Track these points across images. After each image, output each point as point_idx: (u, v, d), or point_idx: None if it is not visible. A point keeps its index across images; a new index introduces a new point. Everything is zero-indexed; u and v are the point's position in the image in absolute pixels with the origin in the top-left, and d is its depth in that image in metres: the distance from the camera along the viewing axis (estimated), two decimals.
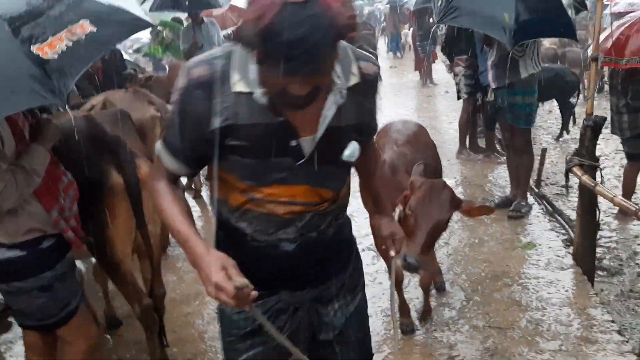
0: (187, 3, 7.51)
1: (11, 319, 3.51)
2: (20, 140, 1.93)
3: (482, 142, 6.30)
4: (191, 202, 5.42)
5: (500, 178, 5.36)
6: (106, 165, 2.23)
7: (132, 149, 2.40)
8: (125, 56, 8.61)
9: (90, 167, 2.19)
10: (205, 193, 5.55)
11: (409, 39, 16.66)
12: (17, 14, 1.75)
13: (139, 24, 2.34)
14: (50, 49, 1.69)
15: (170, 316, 3.27)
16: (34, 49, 1.67)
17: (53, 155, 2.03)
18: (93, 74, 6.35)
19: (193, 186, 5.62)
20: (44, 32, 1.72)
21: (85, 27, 1.79)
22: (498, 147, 6.12)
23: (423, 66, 11.81)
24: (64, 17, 1.78)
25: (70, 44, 1.73)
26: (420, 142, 3.00)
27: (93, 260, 3.12)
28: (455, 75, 6.03)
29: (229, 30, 10.73)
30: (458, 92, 6.05)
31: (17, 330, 3.45)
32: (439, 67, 12.71)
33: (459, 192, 5.05)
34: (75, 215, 2.10)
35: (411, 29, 16.14)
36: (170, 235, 4.37)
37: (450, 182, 5.18)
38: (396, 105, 9.88)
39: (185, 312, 3.39)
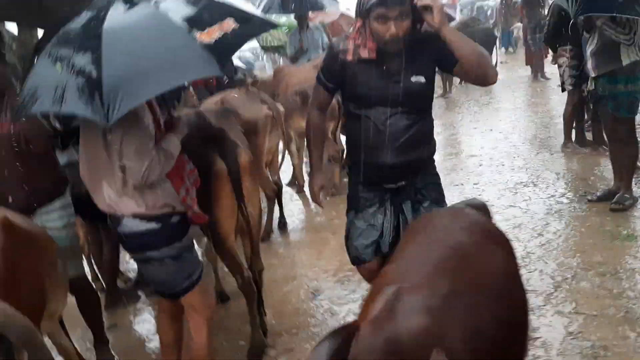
0: (293, 6, 7.91)
1: (140, 292, 4.10)
2: (158, 130, 2.30)
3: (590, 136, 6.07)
4: (295, 197, 5.83)
5: (606, 171, 5.15)
6: (212, 153, 2.60)
7: (236, 139, 2.76)
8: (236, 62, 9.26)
9: (200, 156, 2.57)
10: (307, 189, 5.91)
11: (521, 33, 16.10)
12: (183, 8, 2.17)
13: (266, 25, 2.71)
14: (207, 37, 2.10)
15: (271, 294, 3.62)
16: (197, 34, 2.09)
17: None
18: (208, 78, 6.99)
19: (296, 182, 6.02)
20: (202, 24, 2.12)
21: (229, 24, 2.16)
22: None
23: (533, 60, 11.43)
24: (215, 14, 2.18)
25: (220, 35, 2.12)
26: (479, 271, 1.43)
27: (204, 240, 3.58)
28: (559, 66, 5.87)
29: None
30: (562, 84, 5.89)
31: (145, 300, 4.01)
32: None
33: (560, 186, 4.96)
34: (194, 197, 2.48)
35: (522, 22, 15.62)
36: (272, 223, 4.78)
37: (551, 176, 5.14)
38: (505, 101, 9.68)
39: (284, 291, 3.72)
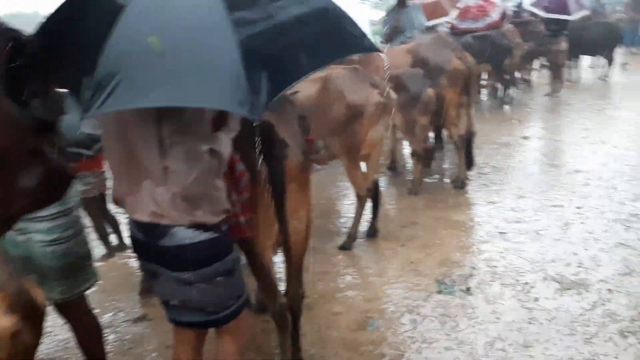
0: None
1: None
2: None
3: None
4: None
5: None
6: (252, 152, 2.10)
7: (287, 136, 2.22)
8: None
9: (242, 154, 2.07)
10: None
11: None
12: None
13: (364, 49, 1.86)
14: None
15: (315, 314, 3.13)
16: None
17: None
18: None
19: None
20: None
21: None
22: None
23: None
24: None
25: None
26: None
27: None
28: None
29: (440, 20, 10.30)
30: None
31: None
32: None
33: None
34: (243, 205, 2.03)
35: None
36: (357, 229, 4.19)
37: None
38: (624, 108, 8.48)
39: (333, 311, 3.20)
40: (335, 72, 3.97)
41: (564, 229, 4.14)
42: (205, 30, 1.48)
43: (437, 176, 5.73)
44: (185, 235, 1.78)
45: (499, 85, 9.90)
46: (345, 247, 4.04)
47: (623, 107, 8.63)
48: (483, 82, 11.43)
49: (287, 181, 2.15)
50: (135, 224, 1.85)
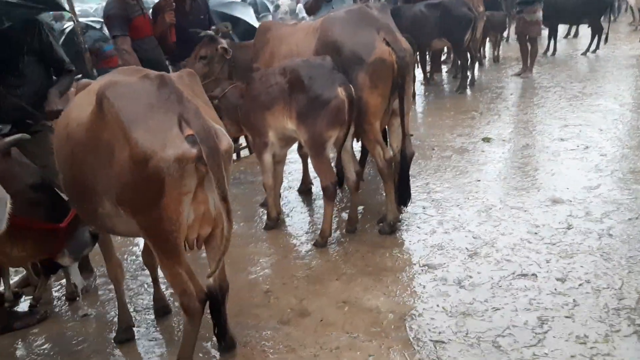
0: None
1: None
2: None
3: None
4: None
5: None
6: None
7: None
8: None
9: None
10: None
11: None
12: None
13: None
14: None
15: None
16: None
17: None
18: (165, 32, 4.67)
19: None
20: None
21: None
22: None
23: None
24: None
25: None
26: None
27: None
28: None
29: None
30: None
31: None
32: None
33: None
34: None
35: None
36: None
37: None
38: (607, 94, 6.90)
39: None
40: (122, 83, 2.18)
41: (540, 335, 2.52)
42: None
43: (359, 209, 4.06)
44: None
45: (459, 64, 8.26)
46: None
47: (605, 93, 7.05)
48: (442, 60, 9.82)
49: None
50: None
